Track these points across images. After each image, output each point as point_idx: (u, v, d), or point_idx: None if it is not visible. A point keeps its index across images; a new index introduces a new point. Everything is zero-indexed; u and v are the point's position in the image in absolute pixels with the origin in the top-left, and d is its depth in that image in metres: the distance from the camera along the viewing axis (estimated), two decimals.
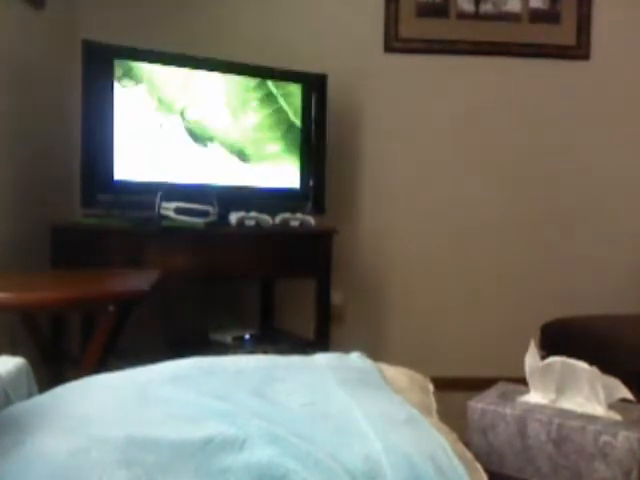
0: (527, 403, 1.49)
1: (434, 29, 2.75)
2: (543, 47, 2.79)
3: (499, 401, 1.51)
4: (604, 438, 1.33)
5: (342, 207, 2.72)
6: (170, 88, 2.18)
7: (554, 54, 2.80)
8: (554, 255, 2.84)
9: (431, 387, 1.28)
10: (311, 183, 2.43)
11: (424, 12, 2.75)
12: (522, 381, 1.55)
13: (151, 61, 2.15)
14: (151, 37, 2.44)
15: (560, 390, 1.48)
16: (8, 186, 2.06)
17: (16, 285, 1.57)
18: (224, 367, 1.16)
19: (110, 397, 0.98)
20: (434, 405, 1.18)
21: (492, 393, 1.57)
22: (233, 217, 2.20)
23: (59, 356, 1.92)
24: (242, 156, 2.31)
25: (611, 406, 1.43)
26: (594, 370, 1.44)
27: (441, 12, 2.75)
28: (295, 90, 2.40)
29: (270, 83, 2.35)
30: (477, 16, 2.76)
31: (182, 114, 2.20)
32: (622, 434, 1.32)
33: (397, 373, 1.27)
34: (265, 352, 1.99)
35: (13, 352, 1.19)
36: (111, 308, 1.51)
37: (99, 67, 2.06)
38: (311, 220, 2.33)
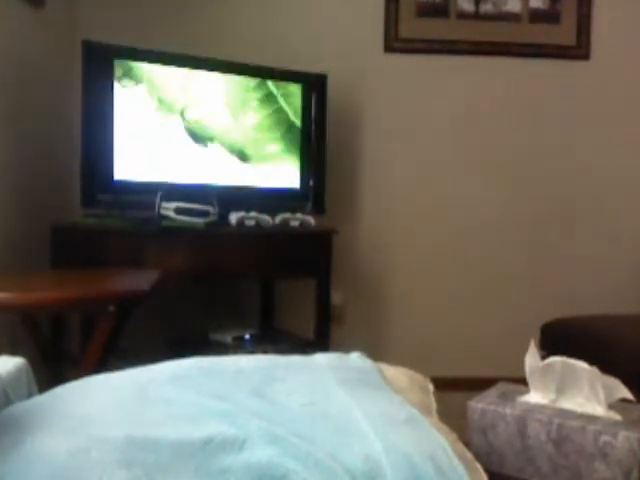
0: (527, 403, 1.49)
1: (434, 29, 2.75)
2: (543, 47, 2.79)
3: (499, 401, 1.51)
4: (604, 438, 1.33)
5: (342, 207, 2.72)
6: (170, 88, 2.18)
7: (554, 54, 2.80)
8: (554, 255, 2.85)
9: (431, 387, 1.28)
10: (311, 183, 2.43)
11: (424, 12, 2.75)
12: (522, 381, 1.55)
13: (151, 61, 2.15)
14: (151, 37, 2.44)
15: (560, 390, 1.48)
16: (8, 186, 2.06)
17: (16, 285, 1.57)
18: (224, 367, 1.16)
19: (110, 397, 0.98)
20: (434, 405, 1.18)
21: (492, 393, 1.57)
22: (233, 217, 2.20)
23: (59, 356, 1.92)
24: (242, 156, 2.31)
25: (611, 406, 1.43)
26: (594, 370, 1.44)
27: (441, 12, 2.75)
28: (295, 90, 2.40)
29: (270, 83, 2.35)
30: (477, 16, 2.76)
31: (182, 114, 2.20)
32: (622, 434, 1.32)
33: (397, 373, 1.27)
34: (265, 352, 1.99)
35: (13, 352, 1.19)
36: (111, 308, 1.51)
37: (99, 67, 2.06)
38: (311, 220, 2.33)
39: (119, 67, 2.09)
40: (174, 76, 2.20)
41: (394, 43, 2.76)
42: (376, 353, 1.40)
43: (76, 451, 0.77)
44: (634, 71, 2.83)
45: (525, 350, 1.53)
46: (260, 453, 0.79)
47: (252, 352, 2.07)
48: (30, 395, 1.09)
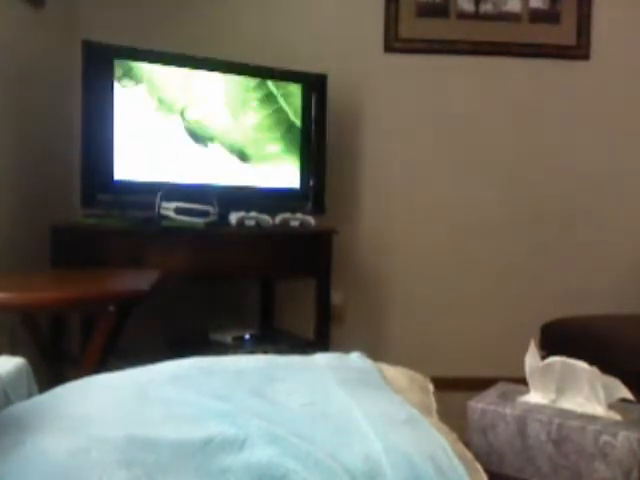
0: (527, 403, 1.49)
1: (434, 29, 2.75)
2: (543, 47, 2.79)
3: (499, 401, 1.51)
4: (604, 438, 1.33)
5: (342, 207, 2.72)
6: (170, 88, 2.18)
7: (554, 54, 2.80)
8: (554, 255, 2.85)
9: (431, 387, 1.28)
10: (311, 183, 2.43)
11: (424, 12, 2.75)
12: (522, 381, 1.55)
13: (151, 61, 2.15)
14: (151, 37, 2.44)
15: (560, 390, 1.48)
16: (8, 186, 2.06)
17: (16, 285, 1.57)
18: (224, 367, 1.16)
19: (110, 397, 0.98)
20: (434, 405, 1.18)
21: (492, 393, 1.57)
22: (233, 217, 2.20)
23: (59, 356, 1.92)
24: (242, 156, 2.31)
25: (611, 406, 1.43)
26: (594, 370, 1.44)
27: (441, 12, 2.75)
28: (295, 90, 2.40)
29: (270, 83, 2.35)
30: (477, 16, 2.76)
31: (182, 114, 2.20)
32: (622, 434, 1.32)
33: (397, 373, 1.27)
34: (265, 352, 1.99)
35: (13, 352, 1.20)
36: (111, 308, 1.51)
37: (99, 67, 2.06)
38: (311, 220, 2.33)
39: (119, 67, 2.09)
40: (174, 76, 2.20)
41: (394, 43, 2.76)
42: (376, 353, 1.40)
43: (76, 451, 0.77)
44: (634, 71, 2.83)
45: (525, 350, 1.53)
46: (260, 453, 0.79)
47: (252, 352, 2.07)
48: (30, 395, 1.09)
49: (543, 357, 1.54)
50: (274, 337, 2.41)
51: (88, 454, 0.76)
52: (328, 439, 0.85)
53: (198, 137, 2.23)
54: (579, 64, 2.81)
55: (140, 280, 1.65)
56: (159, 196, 2.07)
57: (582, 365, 1.45)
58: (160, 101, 2.16)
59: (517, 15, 2.77)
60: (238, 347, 2.23)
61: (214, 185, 2.25)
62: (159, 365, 1.15)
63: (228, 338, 2.27)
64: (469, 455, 0.95)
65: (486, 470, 0.94)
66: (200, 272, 2.12)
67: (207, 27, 2.63)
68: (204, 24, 2.63)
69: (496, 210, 2.83)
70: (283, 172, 2.40)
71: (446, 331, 2.82)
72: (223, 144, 2.27)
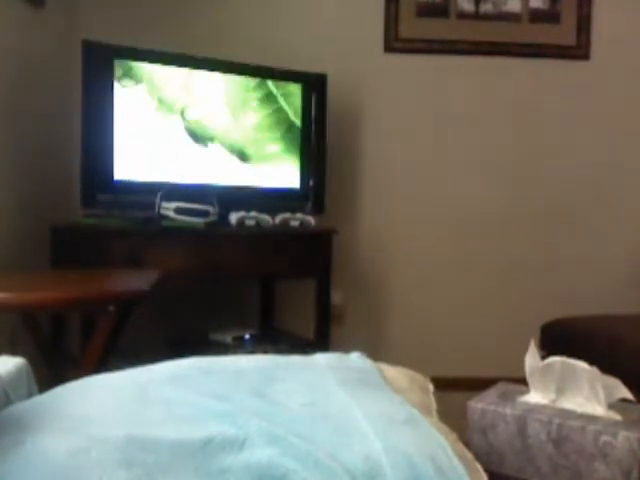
0: (527, 403, 1.49)
1: (434, 29, 2.75)
2: (543, 47, 2.79)
3: (499, 401, 1.51)
4: (604, 438, 1.33)
5: (342, 207, 2.72)
6: (170, 88, 2.18)
7: (554, 54, 2.80)
8: (554, 255, 2.85)
9: (431, 387, 1.28)
10: (311, 183, 2.43)
11: (424, 12, 2.75)
12: (522, 381, 1.55)
13: (151, 61, 2.15)
14: (151, 37, 2.44)
15: (560, 390, 1.48)
16: (8, 186, 2.06)
17: (16, 285, 1.57)
18: (224, 367, 1.16)
19: (110, 397, 0.98)
20: (434, 405, 1.18)
21: (492, 393, 1.57)
22: (233, 217, 2.20)
23: (59, 356, 1.92)
24: (242, 156, 2.31)
25: (611, 406, 1.43)
26: (594, 370, 1.44)
27: (441, 12, 2.75)
28: (295, 90, 2.40)
29: (270, 83, 2.35)
30: (477, 16, 2.76)
31: (182, 114, 2.20)
32: (622, 434, 1.32)
33: (397, 373, 1.27)
34: (265, 352, 1.99)
35: (13, 352, 1.19)
36: (111, 308, 1.51)
37: (99, 67, 2.06)
38: (311, 220, 2.33)
39: (119, 67, 2.09)
40: (174, 76, 2.20)
41: (394, 43, 2.76)
42: (376, 353, 1.40)
43: (76, 451, 0.77)
44: (634, 71, 2.83)
45: (525, 350, 1.53)
46: (260, 453, 0.79)
47: (252, 352, 2.07)
48: (30, 395, 1.09)
49: (543, 357, 1.54)
50: (274, 337, 2.41)
51: (88, 454, 0.76)
52: (328, 439, 0.85)
53: (198, 137, 2.23)
54: (579, 64, 2.81)
55: (140, 280, 1.65)
56: (159, 196, 2.07)
57: (582, 365, 1.45)
58: (160, 101, 2.16)
59: (517, 15, 2.77)
60: (238, 347, 2.23)
61: (214, 185, 2.25)
62: (159, 365, 1.15)
63: (228, 338, 2.27)
64: (469, 455, 0.95)
65: (486, 470, 0.94)
66: (200, 272, 2.12)
67: (207, 27, 2.63)
68: (204, 24, 2.63)
69: (496, 210, 2.83)
70: (283, 172, 2.40)
71: (446, 331, 2.82)
72: (223, 144, 2.27)
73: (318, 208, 2.43)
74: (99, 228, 2.04)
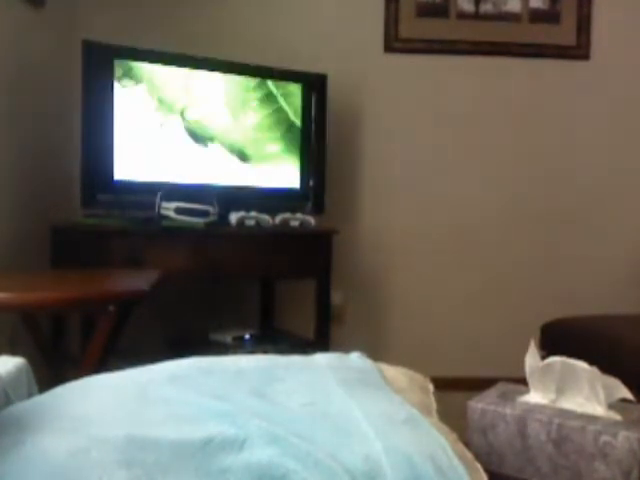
0: (527, 403, 1.49)
1: (434, 29, 2.75)
2: (543, 47, 2.79)
3: (499, 401, 1.51)
4: (604, 438, 1.33)
5: (342, 207, 2.72)
6: (170, 88, 2.18)
7: (554, 54, 2.80)
8: (554, 255, 2.85)
9: (431, 387, 1.28)
10: (311, 183, 2.43)
11: (424, 12, 2.75)
12: (522, 381, 1.55)
13: (151, 61, 2.15)
14: (151, 37, 2.44)
15: (560, 390, 1.48)
16: (8, 186, 2.06)
17: (16, 285, 1.57)
18: (224, 367, 1.16)
19: (110, 397, 0.98)
20: (434, 405, 1.18)
21: (492, 393, 1.57)
22: (233, 217, 2.20)
23: (59, 356, 1.92)
24: (242, 156, 2.31)
25: (611, 406, 1.43)
26: (594, 370, 1.44)
27: (441, 12, 2.75)
28: (295, 90, 2.40)
29: (270, 83, 2.35)
30: (477, 16, 2.76)
31: (182, 114, 2.20)
32: (622, 434, 1.32)
33: (397, 373, 1.27)
34: (265, 352, 1.99)
35: (13, 352, 1.19)
36: (111, 308, 1.51)
37: (99, 67, 2.06)
38: (311, 220, 2.33)
39: (119, 67, 2.09)
40: (174, 76, 2.20)
41: (394, 43, 2.76)
42: (376, 353, 1.40)
43: (76, 451, 0.77)
44: (634, 71, 2.83)
45: (525, 350, 1.53)
46: (260, 453, 0.79)
47: (252, 352, 2.07)
48: (30, 395, 1.09)
49: (543, 357, 1.54)
50: (274, 337, 2.41)
51: (88, 454, 0.76)
52: (328, 439, 0.85)
53: (198, 137, 2.23)
54: (579, 64, 2.81)
55: (140, 280, 1.65)
56: (159, 196, 2.07)
57: (582, 365, 1.45)
58: (160, 101, 2.16)
59: (517, 15, 2.77)
60: (238, 347, 2.23)
61: (214, 185, 2.25)
62: (159, 365, 1.15)
63: (228, 338, 2.27)
64: (469, 455, 0.95)
65: (486, 470, 0.94)
66: (200, 272, 2.12)
67: (207, 27, 2.63)
68: (204, 24, 2.63)
69: (496, 210, 2.83)
70: (283, 172, 2.40)
71: (446, 331, 2.82)
72: (223, 144, 2.27)
73: (318, 208, 2.43)
74: (99, 228, 2.04)
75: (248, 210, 2.23)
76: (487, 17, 2.76)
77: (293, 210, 2.33)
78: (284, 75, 2.38)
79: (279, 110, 2.37)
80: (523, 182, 2.83)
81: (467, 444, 1.24)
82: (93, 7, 2.58)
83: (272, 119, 2.36)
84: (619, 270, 2.84)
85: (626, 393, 1.41)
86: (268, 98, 2.35)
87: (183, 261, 2.09)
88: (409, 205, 2.81)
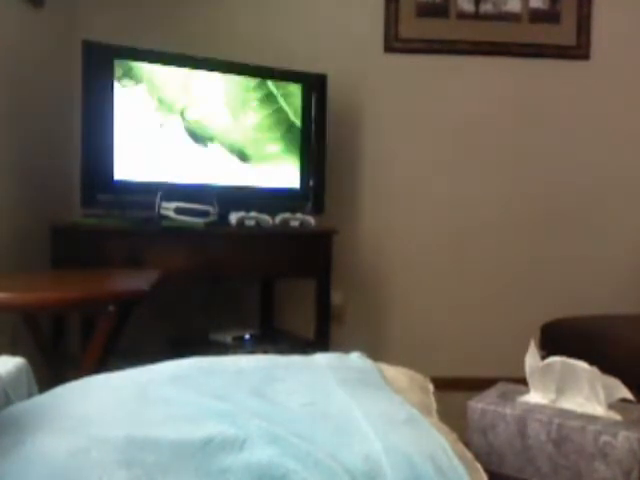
0: (527, 403, 1.49)
1: (434, 29, 2.75)
2: (543, 47, 2.79)
3: (499, 401, 1.51)
4: (604, 438, 1.33)
5: (342, 207, 2.72)
6: (170, 88, 2.18)
7: (554, 54, 2.80)
8: (554, 255, 2.84)
9: (431, 387, 1.28)
10: (311, 183, 2.43)
11: (424, 12, 2.75)
12: (522, 381, 1.55)
13: (151, 61, 2.15)
14: (151, 37, 2.44)
15: (560, 390, 1.48)
16: (8, 186, 2.06)
17: (17, 285, 1.57)
18: (224, 367, 1.16)
19: (110, 397, 0.98)
20: (434, 405, 1.18)
21: (492, 393, 1.57)
22: (233, 217, 2.20)
23: (59, 356, 1.92)
24: (242, 156, 2.31)
25: (611, 406, 1.43)
26: (594, 370, 1.44)
27: (441, 12, 2.75)
28: (295, 90, 2.40)
29: (270, 83, 2.35)
30: (477, 16, 2.76)
31: (182, 114, 2.20)
32: (622, 434, 1.32)
33: (397, 373, 1.27)
34: (265, 352, 1.99)
35: (13, 352, 1.19)
36: (111, 308, 1.51)
37: (99, 67, 2.06)
38: (311, 220, 2.33)
39: (119, 67, 2.09)
40: (174, 76, 2.20)
41: (394, 43, 2.76)
42: (376, 353, 1.40)
43: (76, 451, 0.77)
44: (634, 71, 2.83)
45: (525, 350, 1.53)
46: (260, 453, 0.79)
47: (252, 352, 2.07)
48: (30, 395, 1.09)
49: (543, 357, 1.54)
50: (274, 337, 2.41)
51: (88, 454, 0.76)
52: (328, 439, 0.85)
53: (198, 137, 2.23)
54: (579, 64, 2.81)
55: (140, 280, 1.65)
56: (159, 196, 2.07)
57: (582, 365, 1.45)
58: (160, 101, 2.16)
59: (517, 15, 2.77)
60: (238, 347, 2.23)
61: (214, 185, 2.25)
62: (159, 365, 1.15)
63: (228, 338, 2.27)
64: (469, 455, 0.95)
65: (486, 470, 0.94)
66: (200, 272, 2.12)
67: (207, 27, 2.63)
68: (205, 24, 2.63)
69: (496, 210, 2.83)
70: (283, 172, 2.40)
71: (446, 331, 2.82)
72: (223, 144, 2.27)
73: (318, 208, 2.43)
74: (99, 228, 2.04)
75: (248, 210, 2.23)
76: (487, 17, 2.76)
77: (293, 210, 2.33)
78: (284, 75, 2.38)
79: (279, 110, 2.37)
80: (523, 182, 2.83)
81: (467, 444, 1.24)
82: (93, 7, 2.58)
83: (272, 119, 2.36)
84: (619, 270, 2.84)
85: (626, 393, 1.41)
86: (268, 98, 2.35)
87: (183, 261, 2.09)
88: (409, 205, 2.81)
